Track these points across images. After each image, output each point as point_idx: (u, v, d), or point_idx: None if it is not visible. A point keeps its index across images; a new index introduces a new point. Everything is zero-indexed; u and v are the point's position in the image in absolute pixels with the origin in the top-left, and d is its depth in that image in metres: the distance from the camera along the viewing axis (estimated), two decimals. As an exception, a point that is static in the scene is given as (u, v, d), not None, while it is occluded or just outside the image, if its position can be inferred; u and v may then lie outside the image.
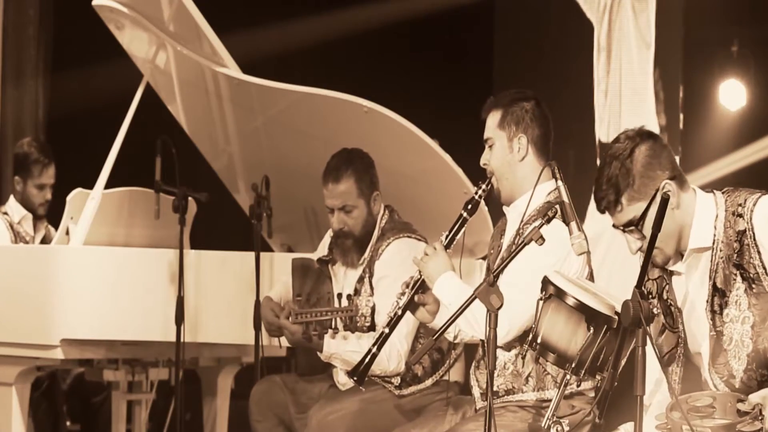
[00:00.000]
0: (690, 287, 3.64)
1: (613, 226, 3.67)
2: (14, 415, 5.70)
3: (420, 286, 4.22)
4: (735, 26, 8.37)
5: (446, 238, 4.25)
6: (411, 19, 8.75)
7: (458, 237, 4.27)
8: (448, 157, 5.54)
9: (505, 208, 4.40)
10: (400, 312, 4.23)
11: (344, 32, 8.62)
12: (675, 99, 8.40)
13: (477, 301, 3.78)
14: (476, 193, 4.29)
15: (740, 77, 8.43)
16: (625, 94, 8.63)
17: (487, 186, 4.30)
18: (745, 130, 8.33)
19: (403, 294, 4.28)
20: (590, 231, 4.36)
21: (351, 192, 5.05)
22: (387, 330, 4.28)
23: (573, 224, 3.87)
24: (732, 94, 8.48)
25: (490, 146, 4.35)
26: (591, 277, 4.26)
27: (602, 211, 3.66)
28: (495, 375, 4.19)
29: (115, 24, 6.04)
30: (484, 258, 5.12)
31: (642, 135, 3.65)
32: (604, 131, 8.57)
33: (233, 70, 5.89)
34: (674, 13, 8.49)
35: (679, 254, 3.66)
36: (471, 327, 4.09)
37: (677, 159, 4.01)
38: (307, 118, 5.83)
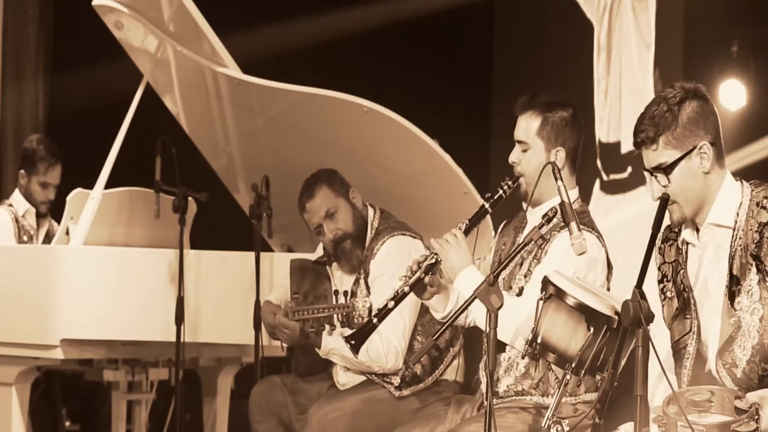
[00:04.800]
0: (704, 264, 3.65)
1: (644, 169, 3.67)
2: (14, 415, 5.70)
3: (431, 267, 4.17)
4: (735, 26, 8.35)
5: (465, 227, 4.20)
6: (411, 19, 8.74)
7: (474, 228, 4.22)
8: (448, 157, 5.54)
9: (529, 210, 4.34)
10: (407, 289, 4.16)
11: (344, 32, 8.61)
12: (675, 99, 8.38)
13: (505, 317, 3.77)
14: (501, 188, 4.23)
15: (740, 77, 8.41)
16: (625, 94, 8.61)
17: (513, 184, 4.25)
18: (745, 130, 8.31)
19: (410, 275, 4.21)
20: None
21: (328, 197, 5.15)
22: (392, 304, 4.19)
23: (573, 224, 3.87)
24: (732, 94, 8.46)
25: (524, 150, 4.31)
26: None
27: (638, 145, 3.65)
28: (503, 374, 4.21)
29: (115, 24, 6.04)
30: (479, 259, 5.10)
31: (697, 93, 3.68)
32: (604, 131, 8.55)
33: (233, 70, 5.89)
34: (674, 13, 8.48)
35: (695, 227, 3.67)
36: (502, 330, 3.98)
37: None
38: (307, 118, 5.83)
